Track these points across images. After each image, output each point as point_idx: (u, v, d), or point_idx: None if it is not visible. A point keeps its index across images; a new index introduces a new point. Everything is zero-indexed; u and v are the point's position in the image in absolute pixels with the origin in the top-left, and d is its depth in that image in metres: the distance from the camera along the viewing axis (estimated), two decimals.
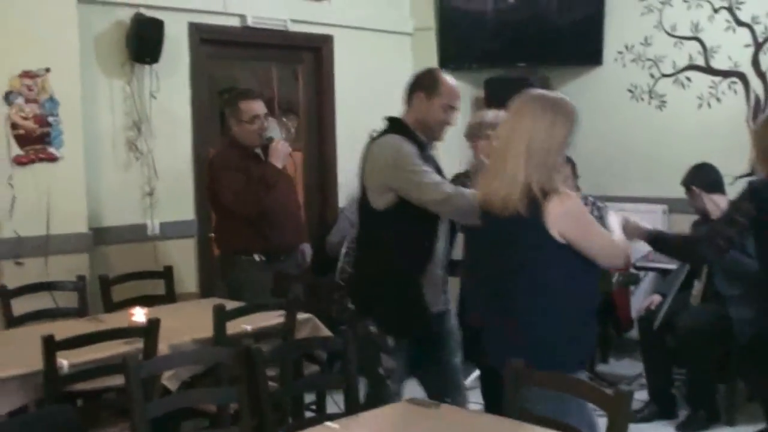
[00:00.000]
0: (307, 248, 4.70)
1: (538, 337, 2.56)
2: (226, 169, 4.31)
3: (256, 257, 4.36)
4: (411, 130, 3.19)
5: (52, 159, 4.25)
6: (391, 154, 3.12)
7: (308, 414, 3.75)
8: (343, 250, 5.02)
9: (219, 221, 4.54)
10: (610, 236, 2.64)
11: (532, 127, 2.53)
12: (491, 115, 3.66)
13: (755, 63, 5.24)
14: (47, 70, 4.20)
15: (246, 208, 4.24)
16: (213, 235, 4.78)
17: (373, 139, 3.28)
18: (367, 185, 3.20)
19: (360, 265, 3.42)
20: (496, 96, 5.90)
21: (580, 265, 2.56)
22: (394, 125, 3.24)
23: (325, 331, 3.82)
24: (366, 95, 5.74)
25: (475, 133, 3.69)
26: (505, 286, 2.61)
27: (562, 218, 2.49)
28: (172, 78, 4.86)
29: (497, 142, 2.63)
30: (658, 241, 3.01)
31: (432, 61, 6.05)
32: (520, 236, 2.55)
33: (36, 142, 4.20)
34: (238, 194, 4.23)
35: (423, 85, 3.24)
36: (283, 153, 4.34)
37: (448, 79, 3.26)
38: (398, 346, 3.22)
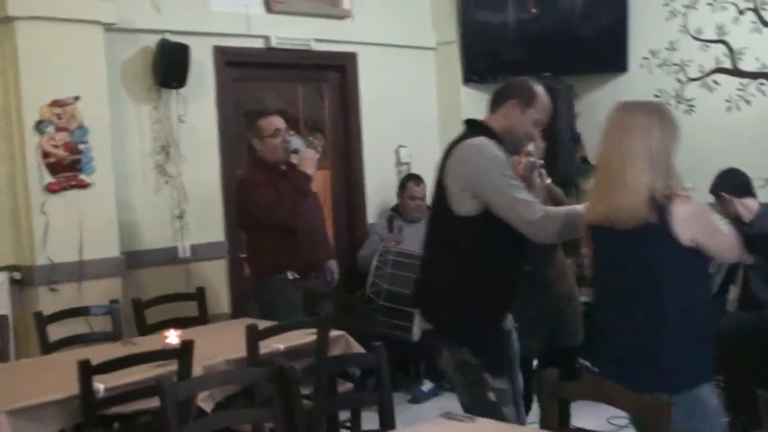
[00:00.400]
0: (334, 265, 4.72)
1: (679, 347, 2.50)
2: (255, 185, 4.36)
3: (289, 275, 4.40)
4: (498, 136, 2.98)
5: (84, 185, 4.30)
6: (484, 157, 2.88)
7: (343, 431, 3.74)
8: (374, 264, 5.02)
9: (250, 241, 4.57)
10: (728, 228, 2.61)
11: (644, 135, 2.51)
12: None
13: None
14: (76, 98, 4.27)
15: (281, 218, 4.27)
16: (244, 255, 4.81)
17: (456, 141, 3.01)
18: (449, 188, 2.91)
19: (436, 278, 3.03)
20: None
21: (704, 268, 2.57)
22: (480, 128, 3.01)
23: (358, 348, 3.82)
24: (391, 111, 5.77)
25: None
26: (636, 299, 2.55)
27: (690, 220, 2.47)
28: (199, 101, 4.91)
29: (604, 158, 2.58)
30: (747, 239, 2.88)
31: (456, 74, 6.07)
32: (649, 245, 2.50)
33: (67, 169, 4.26)
34: (270, 206, 4.27)
35: (519, 94, 3.03)
36: (311, 160, 4.40)
37: (544, 94, 3.08)
38: None
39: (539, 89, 3.05)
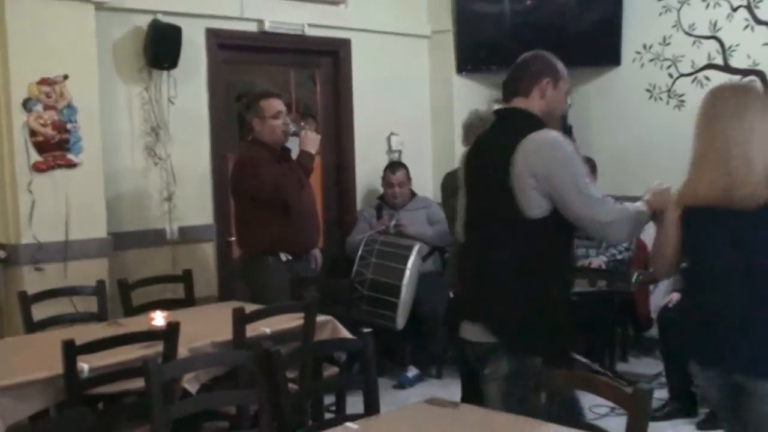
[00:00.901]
0: (318, 253, 4.72)
1: None
2: (258, 163, 4.35)
3: (283, 256, 4.40)
4: (543, 121, 2.76)
5: (71, 165, 4.28)
6: (561, 153, 2.66)
7: (328, 415, 3.75)
8: (359, 253, 5.03)
9: (243, 222, 4.55)
10: None
11: (760, 116, 2.51)
12: None
13: None
14: (65, 77, 4.24)
15: (287, 194, 4.30)
16: (234, 238, 4.83)
17: (499, 133, 2.77)
18: (517, 187, 2.65)
19: (502, 284, 2.74)
20: None
21: None
22: (528, 117, 2.77)
23: (345, 333, 3.82)
24: (384, 98, 5.76)
25: None
26: (757, 279, 2.51)
27: None
28: (190, 83, 4.88)
29: (719, 141, 2.54)
30: None
31: (450, 63, 6.06)
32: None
33: (55, 148, 4.23)
34: (277, 181, 4.29)
35: (548, 70, 2.81)
36: (314, 140, 4.45)
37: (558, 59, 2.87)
38: None
39: (554, 57, 2.90)
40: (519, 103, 2.82)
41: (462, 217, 2.93)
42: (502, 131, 2.80)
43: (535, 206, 2.64)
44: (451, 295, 4.28)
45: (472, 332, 2.78)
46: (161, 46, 4.65)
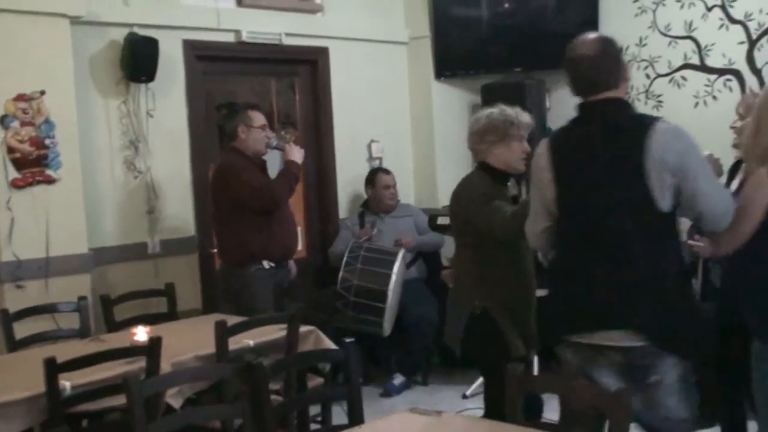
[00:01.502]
0: (293, 264, 4.74)
1: None
2: (243, 169, 4.41)
3: (266, 264, 4.41)
4: None
5: (50, 181, 4.25)
6: (691, 142, 2.63)
7: (314, 426, 3.74)
8: (344, 259, 5.03)
9: (225, 232, 4.55)
10: None
11: None
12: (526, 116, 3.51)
13: (750, 60, 5.22)
14: (42, 92, 4.22)
15: (280, 197, 4.39)
16: (215, 250, 4.83)
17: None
18: (652, 179, 2.57)
19: (654, 281, 2.61)
20: (492, 101, 5.89)
21: None
22: (633, 109, 2.81)
23: (329, 343, 3.82)
24: (363, 105, 5.76)
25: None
26: None
27: None
28: (168, 96, 4.87)
29: None
30: None
31: (428, 69, 6.08)
32: None
33: (33, 164, 4.21)
34: (264, 186, 4.38)
35: (621, 61, 2.79)
36: (299, 150, 4.56)
37: None
38: None
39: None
40: (610, 95, 2.75)
41: (545, 214, 2.82)
42: (613, 123, 2.71)
43: (665, 199, 2.57)
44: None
45: (619, 338, 2.62)
46: (138, 59, 4.64)
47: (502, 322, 3.29)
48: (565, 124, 2.90)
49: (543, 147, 2.86)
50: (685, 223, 2.85)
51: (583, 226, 2.71)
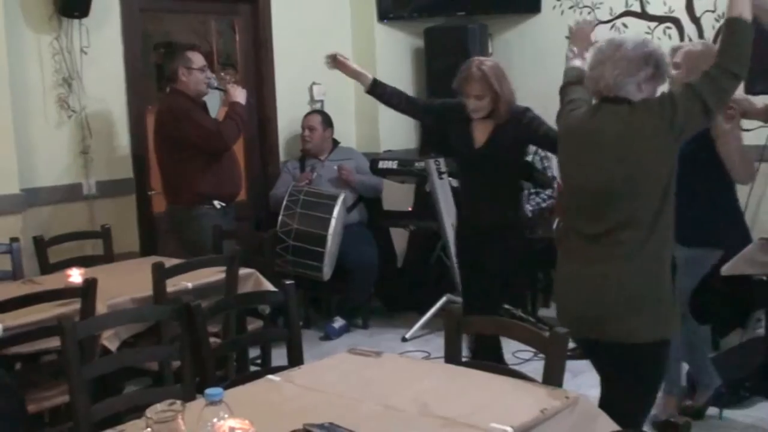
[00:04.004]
0: None
1: None
2: (190, 111, 4.42)
3: (217, 204, 4.47)
4: None
5: None
6: None
7: (254, 368, 3.74)
8: (284, 203, 4.99)
9: (171, 173, 4.54)
10: None
11: None
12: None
13: (689, 8, 5.28)
14: None
15: (229, 140, 4.45)
16: (155, 191, 4.82)
17: None
18: None
19: None
20: (436, 45, 5.88)
21: None
22: None
23: (268, 286, 3.80)
24: (305, 47, 5.65)
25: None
26: None
27: None
28: (103, 32, 4.71)
29: None
30: None
31: (371, 12, 5.99)
32: None
33: None
34: (215, 129, 4.41)
35: None
36: (242, 91, 4.60)
37: None
38: None
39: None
40: None
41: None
42: None
43: None
44: None
45: None
46: None
47: None
48: None
49: None
50: None
51: None
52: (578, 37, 3.11)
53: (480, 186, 3.73)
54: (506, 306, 5.16)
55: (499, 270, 3.68)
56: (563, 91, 2.98)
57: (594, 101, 2.71)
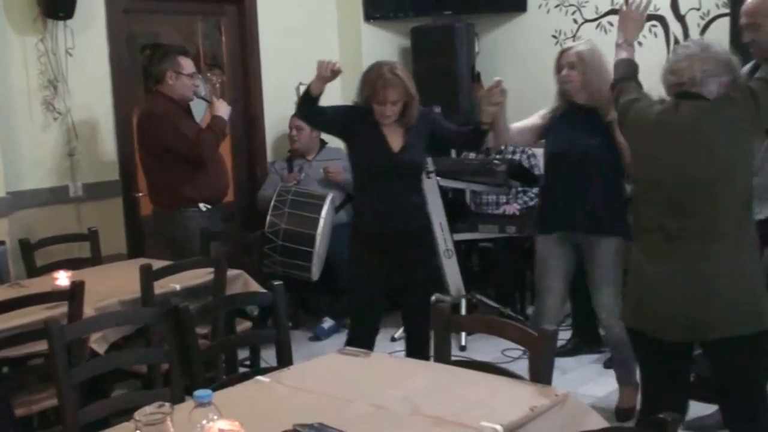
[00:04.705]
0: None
1: None
2: (176, 117, 4.40)
3: (202, 206, 4.44)
4: None
5: None
6: None
7: (243, 370, 3.73)
8: (272, 203, 4.98)
9: (156, 175, 4.52)
10: None
11: None
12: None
13: (674, 6, 5.30)
14: None
15: (206, 151, 4.39)
16: (143, 193, 4.78)
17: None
18: None
19: None
20: (422, 45, 5.88)
21: None
22: None
23: (257, 287, 3.80)
24: (292, 48, 5.65)
25: None
26: None
27: None
28: (88, 34, 4.69)
29: None
30: None
31: (357, 11, 5.99)
32: None
33: None
34: (197, 138, 4.37)
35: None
36: (226, 107, 4.57)
37: None
38: None
39: None
40: None
41: None
42: None
43: None
44: None
45: None
46: None
47: None
48: None
49: None
50: None
51: None
52: (629, 20, 3.10)
53: (401, 189, 3.57)
54: (493, 304, 5.19)
55: (425, 273, 3.70)
56: (617, 85, 2.97)
57: (664, 96, 2.73)
